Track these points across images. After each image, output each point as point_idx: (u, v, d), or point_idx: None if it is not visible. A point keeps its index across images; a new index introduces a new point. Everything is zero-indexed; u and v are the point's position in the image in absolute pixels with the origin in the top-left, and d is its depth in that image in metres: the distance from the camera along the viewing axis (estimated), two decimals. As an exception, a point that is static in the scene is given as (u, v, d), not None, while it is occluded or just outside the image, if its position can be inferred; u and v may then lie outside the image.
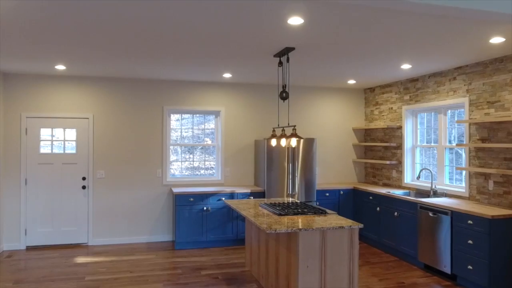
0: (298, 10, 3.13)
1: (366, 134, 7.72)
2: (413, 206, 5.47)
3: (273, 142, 4.77)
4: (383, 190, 6.34)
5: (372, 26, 3.57)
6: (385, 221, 6.09)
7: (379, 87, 7.30)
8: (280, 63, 4.66)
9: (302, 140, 6.65)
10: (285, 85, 4.52)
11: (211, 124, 7.15)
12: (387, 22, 3.44)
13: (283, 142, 4.47)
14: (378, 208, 6.25)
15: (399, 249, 5.77)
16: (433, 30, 3.71)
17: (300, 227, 3.61)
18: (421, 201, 5.31)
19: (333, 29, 3.67)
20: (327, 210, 4.34)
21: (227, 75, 6.25)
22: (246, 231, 5.30)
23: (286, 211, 4.26)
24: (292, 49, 4.35)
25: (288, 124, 4.22)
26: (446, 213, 4.88)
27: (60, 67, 5.57)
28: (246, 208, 4.66)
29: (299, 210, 4.32)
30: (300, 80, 6.68)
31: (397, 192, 6.19)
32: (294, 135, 4.17)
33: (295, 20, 3.37)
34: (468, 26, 3.58)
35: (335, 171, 7.63)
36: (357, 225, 3.75)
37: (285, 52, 4.46)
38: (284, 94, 4.48)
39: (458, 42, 4.15)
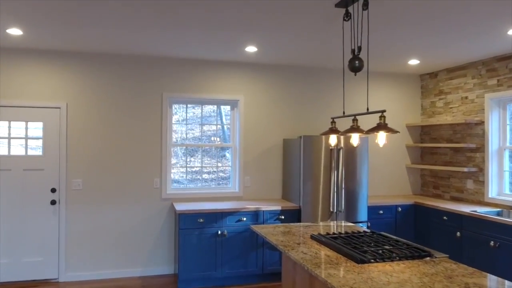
0: None
1: (422, 133, 6.01)
2: (528, 235, 3.76)
3: (333, 139, 3.06)
4: (466, 209, 4.62)
5: None
6: (471, 251, 4.38)
7: (445, 71, 5.59)
8: (347, 16, 2.97)
9: (342, 140, 4.95)
10: (359, 47, 2.81)
11: (213, 121, 5.46)
12: None
13: (355, 139, 2.77)
14: (458, 233, 4.54)
15: (498, 294, 4.06)
16: None
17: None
18: (544, 228, 3.61)
19: None
20: (430, 250, 2.64)
21: (250, 49, 4.55)
22: (283, 269, 3.56)
23: (366, 254, 2.55)
24: (374, -14, 2.67)
25: (368, 109, 2.50)
26: None
27: (15, 31, 3.87)
28: (291, 242, 2.95)
29: (385, 251, 2.61)
30: (340, 58, 4.88)
31: (483, 211, 4.48)
32: (383, 126, 2.44)
33: None
34: None
35: (385, 180, 5.91)
36: (518, 291, 2.05)
37: (360, -6, 2.77)
38: (357, 62, 2.78)
39: None
